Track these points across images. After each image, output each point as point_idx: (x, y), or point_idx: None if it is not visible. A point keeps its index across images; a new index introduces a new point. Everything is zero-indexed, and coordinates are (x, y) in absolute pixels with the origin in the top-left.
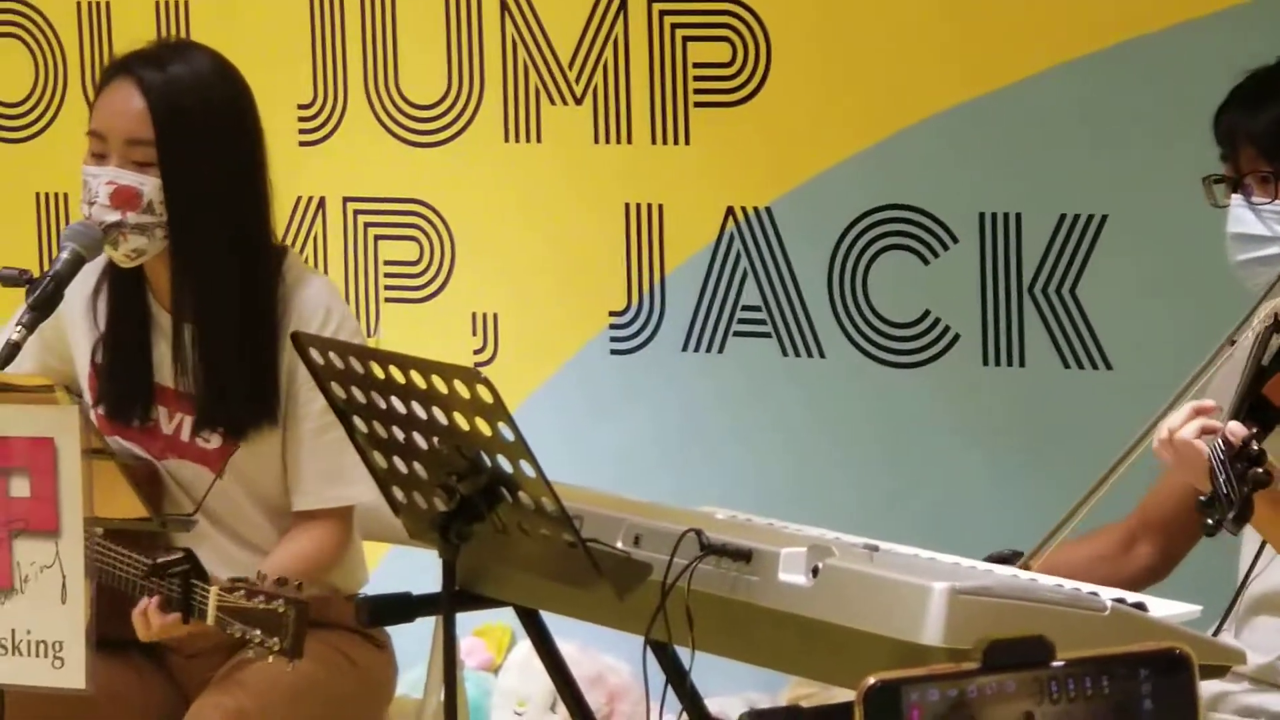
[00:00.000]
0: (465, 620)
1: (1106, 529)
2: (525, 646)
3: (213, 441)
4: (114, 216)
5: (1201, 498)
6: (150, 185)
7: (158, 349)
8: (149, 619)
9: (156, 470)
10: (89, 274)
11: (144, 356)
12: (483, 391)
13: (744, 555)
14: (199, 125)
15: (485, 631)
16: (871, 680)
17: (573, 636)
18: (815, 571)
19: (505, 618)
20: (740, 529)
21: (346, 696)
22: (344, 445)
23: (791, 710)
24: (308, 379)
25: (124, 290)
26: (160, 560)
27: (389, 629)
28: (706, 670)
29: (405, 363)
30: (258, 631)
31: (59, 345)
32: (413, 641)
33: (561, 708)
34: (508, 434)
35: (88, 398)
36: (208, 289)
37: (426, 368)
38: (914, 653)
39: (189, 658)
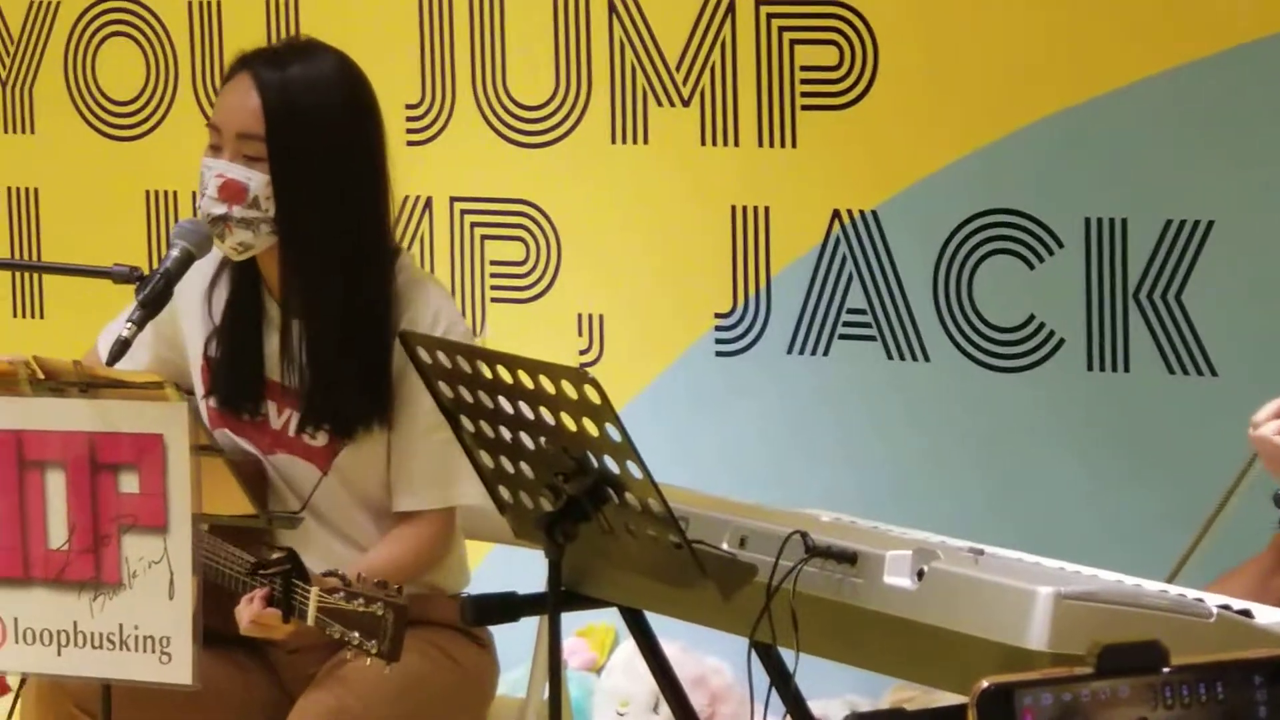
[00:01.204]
0: (568, 620)
1: (1252, 562)
2: (628, 647)
3: (319, 439)
4: (220, 209)
5: (1277, 492)
6: (257, 181)
7: (269, 343)
8: (255, 613)
9: (262, 466)
10: (206, 266)
11: (256, 350)
12: (590, 392)
13: (849, 558)
14: (311, 125)
15: (588, 632)
16: (985, 684)
17: (675, 637)
18: (920, 575)
19: (608, 618)
20: (845, 531)
21: (449, 695)
22: (450, 447)
23: (895, 713)
24: (416, 379)
25: (239, 284)
26: (263, 559)
27: (491, 628)
28: (806, 672)
29: (513, 362)
30: (356, 634)
31: (173, 336)
32: (515, 641)
33: (663, 708)
34: (615, 435)
35: (199, 389)
36: (313, 286)
37: (535, 368)
38: (1019, 657)
39: (291, 653)
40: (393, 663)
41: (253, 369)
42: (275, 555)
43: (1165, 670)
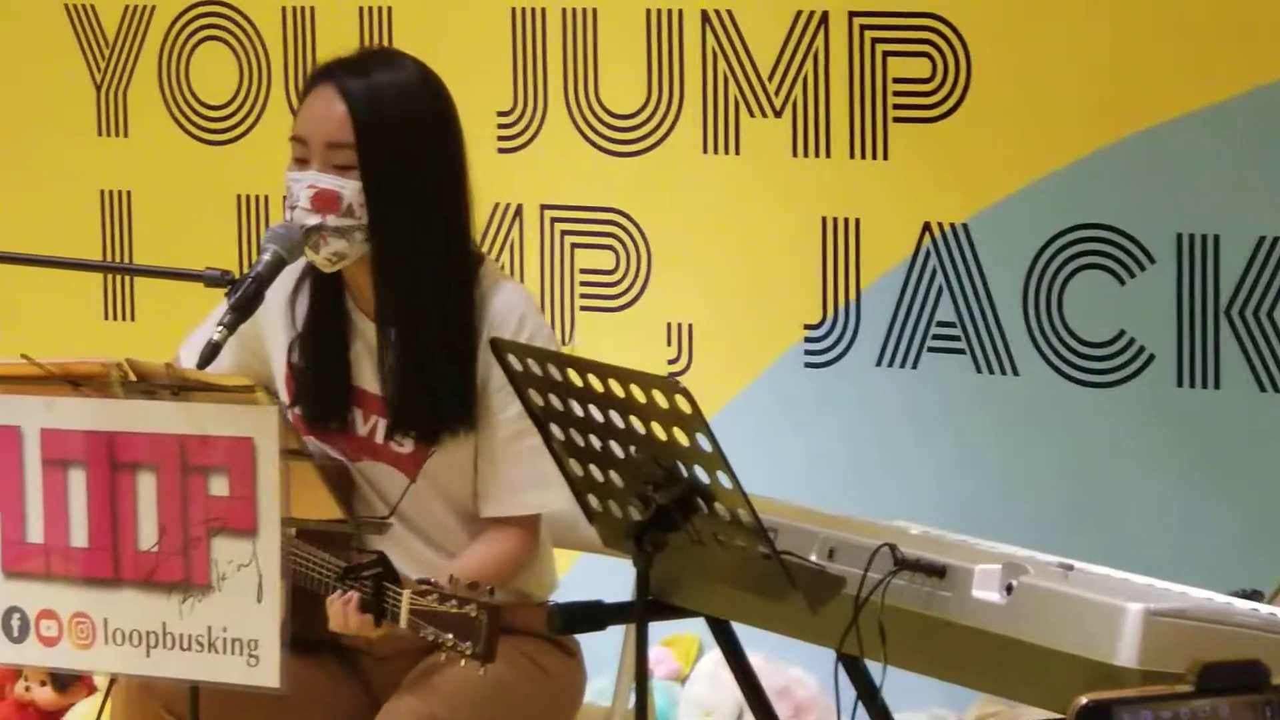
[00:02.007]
0: (654, 630)
1: None
2: (713, 657)
3: (406, 446)
4: (314, 219)
5: None
6: (350, 189)
7: (355, 351)
8: (347, 615)
9: (349, 471)
10: (288, 274)
11: (341, 359)
12: (681, 402)
13: (938, 571)
14: (399, 131)
15: (673, 641)
16: (1084, 700)
17: (760, 648)
18: (1009, 589)
19: (694, 628)
20: (934, 544)
21: (536, 703)
22: (536, 453)
23: None
24: (502, 386)
25: (323, 292)
26: (354, 563)
27: (578, 637)
28: (891, 685)
29: (604, 371)
30: (450, 635)
31: (255, 343)
32: (600, 649)
33: (747, 718)
34: (705, 445)
35: (284, 397)
36: (406, 293)
37: (625, 376)
38: (1108, 674)
39: (380, 659)
40: (488, 664)
41: (339, 377)
42: (366, 559)
43: (1267, 690)
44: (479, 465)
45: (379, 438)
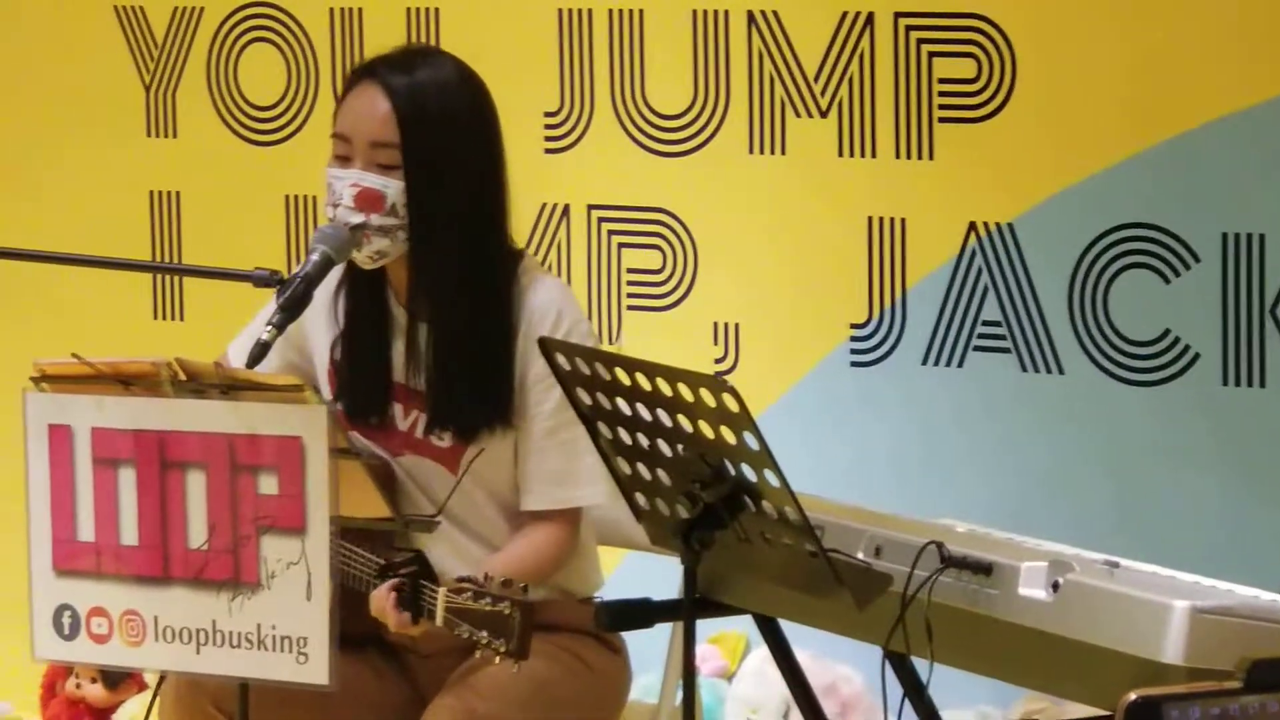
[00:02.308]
0: (701, 627)
1: None
2: (759, 654)
3: (445, 440)
4: (358, 218)
5: None
6: (394, 188)
7: (395, 347)
8: (386, 611)
9: (391, 469)
10: (331, 272)
11: (382, 355)
12: (729, 400)
13: (984, 569)
14: (442, 129)
15: (720, 639)
16: (1132, 696)
17: (806, 645)
18: (1055, 586)
19: (740, 625)
20: (980, 542)
21: (581, 700)
22: (574, 447)
23: None
24: (539, 380)
25: (364, 289)
26: (391, 560)
27: (623, 634)
28: (936, 682)
29: (651, 370)
30: (485, 633)
31: (300, 341)
32: (646, 647)
33: (794, 716)
34: (753, 443)
35: (327, 393)
36: (444, 290)
37: (672, 375)
38: (1154, 671)
39: (425, 657)
40: (521, 661)
41: (379, 374)
42: (403, 558)
43: None
44: (518, 460)
45: (419, 432)
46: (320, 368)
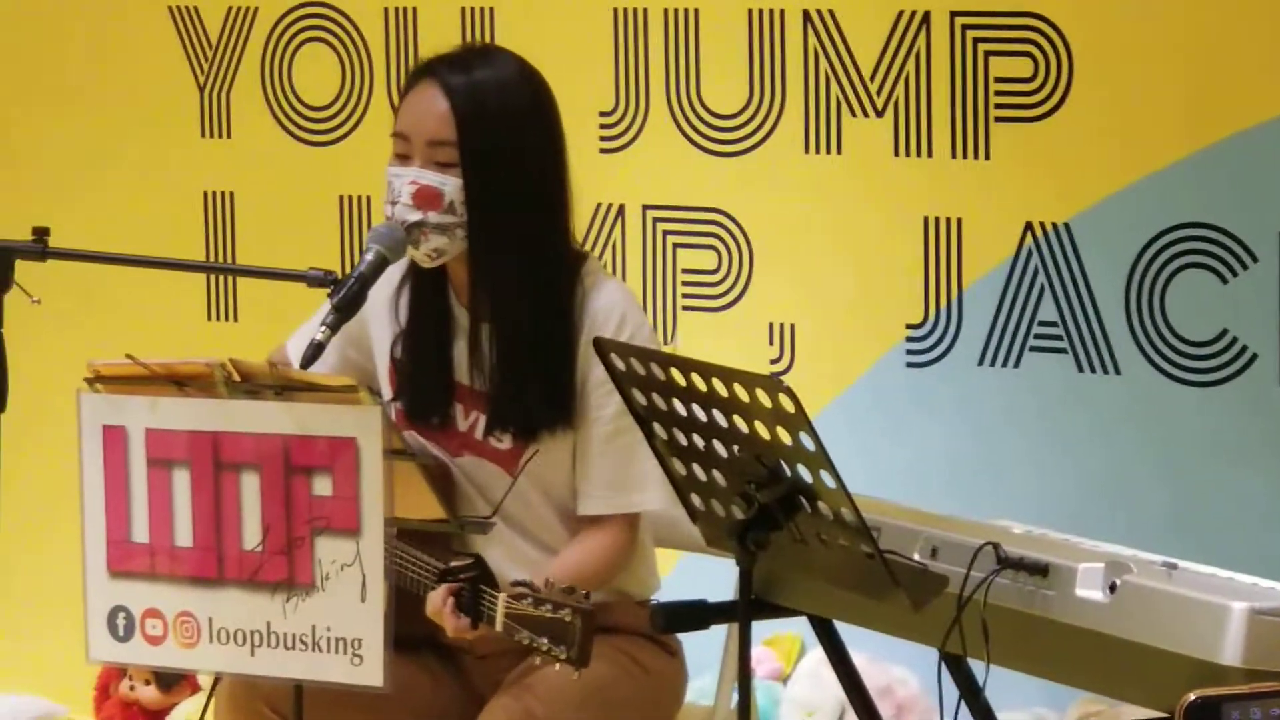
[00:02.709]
0: (756, 629)
1: None
2: (814, 657)
3: (505, 442)
4: (416, 216)
5: None
6: (452, 186)
7: (456, 347)
8: (444, 616)
9: (449, 470)
10: (393, 270)
11: (443, 355)
12: (785, 401)
13: (1041, 570)
14: (501, 128)
15: (775, 641)
16: (1192, 697)
17: (862, 647)
18: (1113, 588)
19: (795, 627)
20: (1037, 543)
21: (637, 702)
22: (633, 451)
23: None
24: (600, 383)
25: (426, 288)
26: (451, 565)
27: (679, 636)
28: (992, 683)
29: (706, 370)
30: (545, 639)
31: (360, 338)
32: (700, 649)
33: (849, 718)
34: (809, 444)
35: (386, 392)
36: (503, 290)
37: (728, 376)
38: (1211, 672)
39: (480, 658)
40: (581, 669)
41: (440, 374)
42: (463, 562)
43: None
44: (576, 463)
45: (479, 433)
46: (380, 365)
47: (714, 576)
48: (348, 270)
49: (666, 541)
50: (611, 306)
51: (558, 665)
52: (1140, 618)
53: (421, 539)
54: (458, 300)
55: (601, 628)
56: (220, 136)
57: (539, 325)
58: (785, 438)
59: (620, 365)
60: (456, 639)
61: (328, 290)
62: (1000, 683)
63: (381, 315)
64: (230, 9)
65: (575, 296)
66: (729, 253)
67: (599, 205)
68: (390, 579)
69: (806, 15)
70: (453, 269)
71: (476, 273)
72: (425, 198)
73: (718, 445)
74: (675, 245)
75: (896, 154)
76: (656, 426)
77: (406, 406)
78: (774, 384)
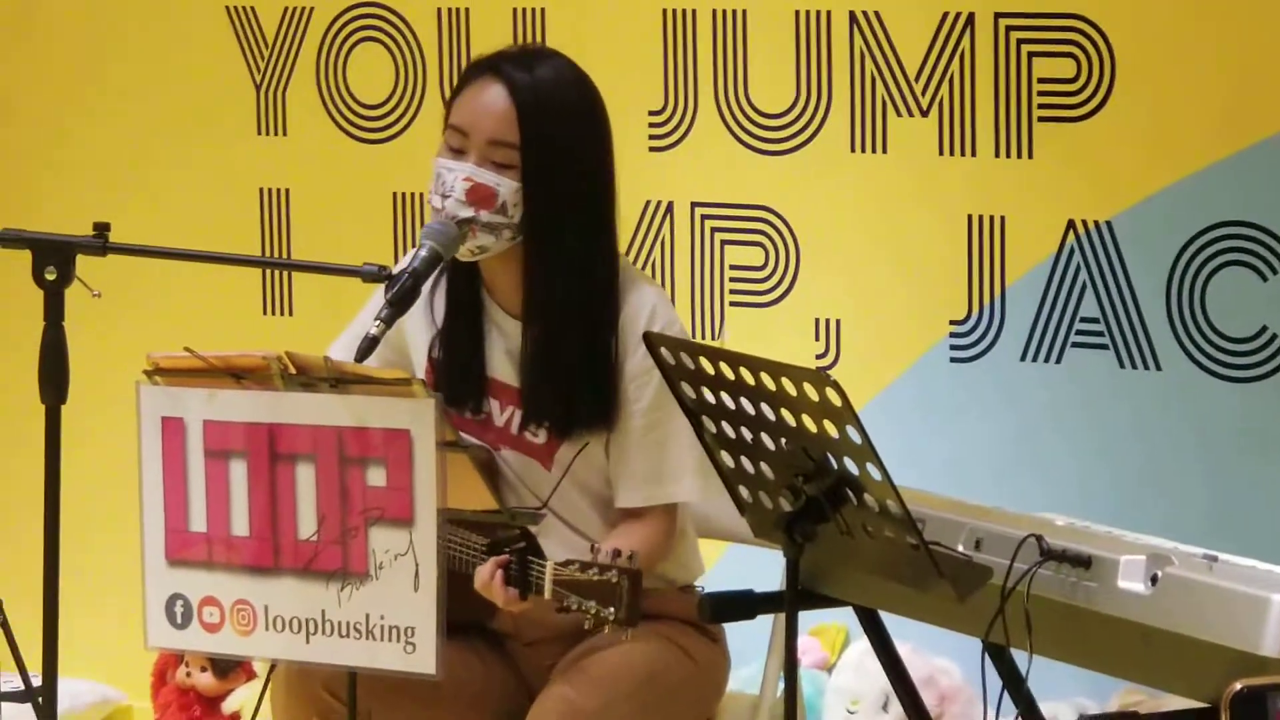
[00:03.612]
0: (801, 619)
1: None
2: (859, 647)
3: (540, 437)
4: (467, 213)
5: None
6: (507, 187)
7: (490, 342)
8: (493, 589)
9: (495, 461)
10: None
11: (478, 350)
12: (832, 395)
13: (1084, 561)
14: (560, 131)
15: (820, 631)
16: (1238, 686)
17: (906, 638)
18: (1154, 580)
19: (840, 618)
20: (1079, 535)
21: (683, 689)
22: (667, 445)
23: (1128, 716)
24: (634, 378)
25: (461, 286)
26: (498, 537)
27: (725, 625)
28: (1034, 674)
29: (755, 364)
30: (593, 603)
31: (397, 339)
32: (746, 638)
33: (893, 707)
34: (856, 437)
35: None
36: (547, 288)
37: (776, 370)
38: (1252, 663)
39: (527, 645)
40: (630, 629)
41: (475, 368)
42: (510, 534)
43: None
44: (612, 456)
45: (515, 429)
46: (419, 365)
47: (760, 567)
48: (400, 265)
49: (712, 533)
50: (643, 304)
51: (607, 628)
52: (1181, 609)
53: (471, 527)
54: (491, 296)
55: (647, 614)
56: (276, 134)
57: (576, 324)
58: (832, 431)
59: (670, 359)
60: (503, 623)
61: (381, 285)
62: (1041, 673)
63: (417, 315)
64: (286, 9)
65: (613, 294)
66: (776, 249)
67: (648, 203)
68: (442, 562)
69: (853, 16)
70: (487, 266)
71: (527, 274)
72: (480, 196)
73: (766, 438)
74: (723, 242)
75: (941, 153)
76: (705, 420)
77: (444, 400)
78: (821, 378)
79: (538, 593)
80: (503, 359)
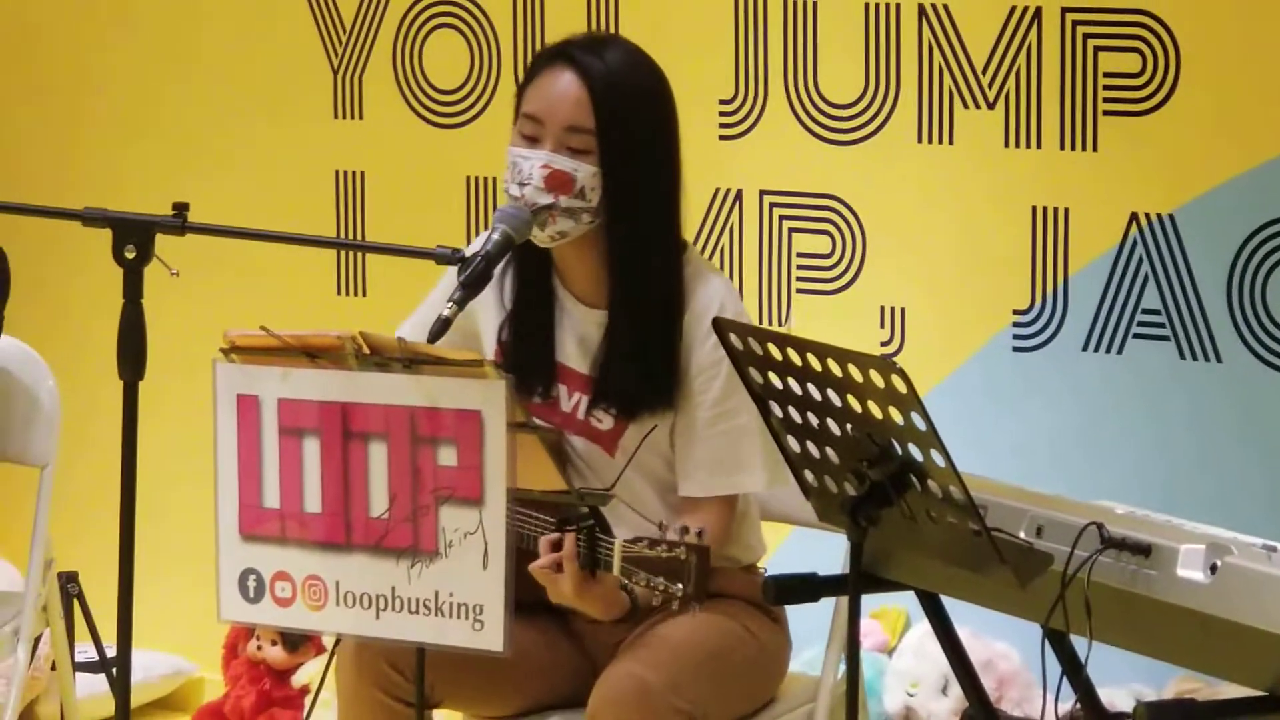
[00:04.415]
0: (864, 602)
1: None
2: (919, 630)
3: (605, 422)
4: (547, 199)
5: None
6: (584, 172)
7: (560, 328)
8: (562, 568)
9: (564, 444)
10: None
11: (547, 335)
12: (897, 381)
13: (1143, 550)
14: (633, 116)
15: (881, 614)
16: None
17: (965, 622)
18: (1213, 569)
19: (900, 601)
20: (1139, 524)
21: (748, 668)
22: (734, 436)
23: (1185, 703)
24: (702, 370)
25: (531, 271)
26: (566, 514)
27: (787, 607)
28: (1092, 660)
29: (822, 351)
30: (661, 579)
31: (466, 324)
32: (807, 621)
33: (952, 690)
34: (920, 423)
35: None
36: (628, 276)
37: (842, 356)
38: None
39: (592, 623)
40: (698, 604)
41: (544, 353)
42: (578, 511)
43: None
44: (677, 446)
45: (581, 413)
46: (488, 349)
47: (822, 550)
48: (473, 248)
49: (777, 515)
50: (712, 295)
51: (675, 603)
52: (1240, 598)
53: (540, 508)
54: (562, 282)
55: (711, 593)
56: (353, 118)
57: (647, 310)
58: (897, 417)
59: (738, 344)
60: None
61: (454, 267)
62: (1098, 659)
63: (488, 299)
64: None
65: (681, 283)
66: (843, 238)
67: (717, 190)
68: (511, 541)
69: (921, 9)
70: (561, 254)
71: (608, 257)
72: (558, 181)
73: (831, 424)
74: (791, 230)
75: (1006, 145)
76: (773, 405)
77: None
78: (887, 365)
79: (606, 569)
80: (573, 345)
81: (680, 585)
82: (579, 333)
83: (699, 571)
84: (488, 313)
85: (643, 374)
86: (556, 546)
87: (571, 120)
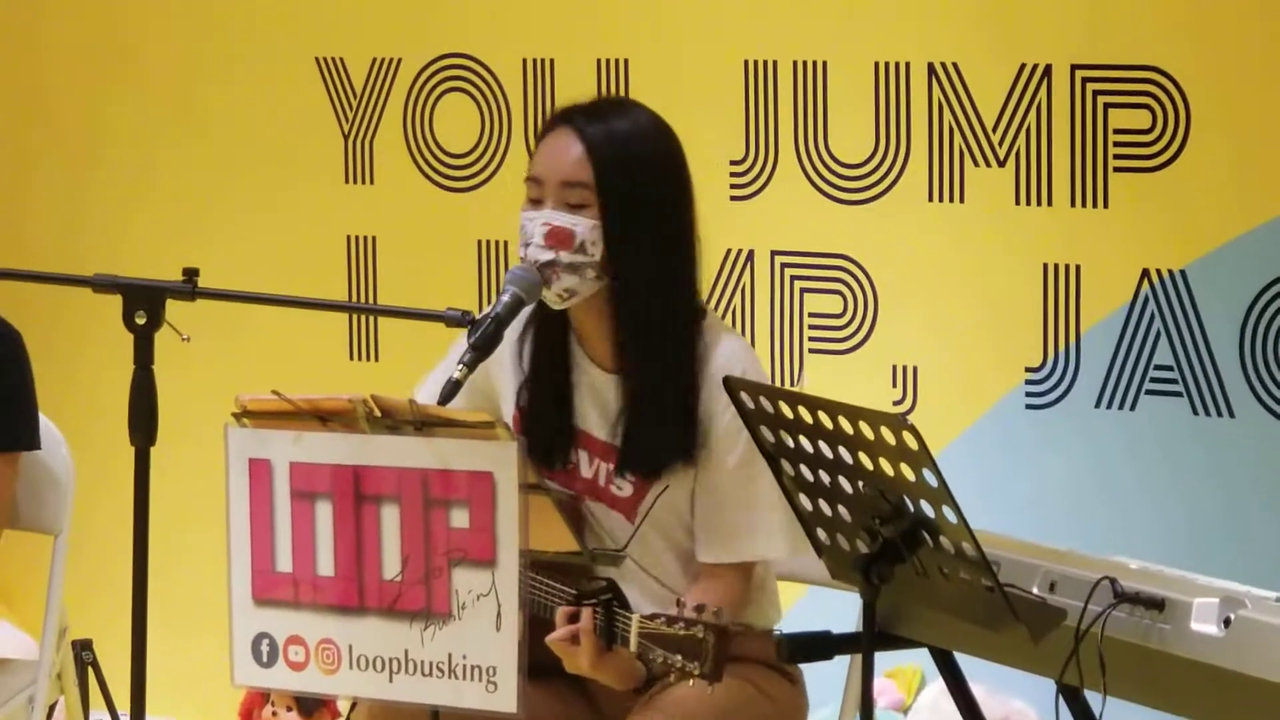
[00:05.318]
0: (878, 661)
1: None
2: (934, 689)
3: (625, 490)
4: (548, 255)
5: None
6: (584, 226)
7: (579, 395)
8: (579, 640)
9: (580, 506)
10: (517, 319)
11: (566, 402)
12: (908, 438)
13: (1157, 604)
14: (635, 171)
15: (896, 673)
16: None
17: (981, 679)
18: (1227, 622)
19: (916, 659)
20: (1153, 578)
21: None
22: (753, 503)
23: None
24: (722, 438)
25: (549, 335)
26: (585, 588)
27: (800, 666)
28: (1106, 715)
29: (833, 408)
30: (678, 656)
31: (485, 387)
32: (820, 679)
33: None
34: (932, 480)
35: None
36: (638, 337)
37: (854, 413)
38: None
39: (607, 686)
40: (714, 683)
41: (563, 420)
42: (597, 585)
43: None
44: (697, 511)
45: (602, 480)
46: (506, 413)
47: (838, 609)
48: (484, 311)
49: (791, 575)
50: (732, 360)
51: (691, 681)
52: (1254, 651)
53: (553, 569)
54: (582, 348)
55: (728, 649)
56: (364, 182)
57: (666, 375)
58: (909, 474)
59: (749, 403)
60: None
61: (464, 330)
62: (1114, 714)
63: (506, 363)
64: (375, 60)
65: (699, 349)
66: (854, 297)
67: (729, 250)
68: (525, 606)
69: (931, 68)
70: (578, 317)
71: (612, 315)
72: (557, 237)
73: (843, 481)
74: (803, 290)
75: (1018, 202)
76: (784, 463)
77: (531, 452)
78: (898, 421)
79: (623, 644)
80: (592, 410)
81: (696, 664)
82: (598, 398)
83: (717, 651)
84: (505, 375)
85: (663, 439)
86: (574, 618)
87: (568, 175)
